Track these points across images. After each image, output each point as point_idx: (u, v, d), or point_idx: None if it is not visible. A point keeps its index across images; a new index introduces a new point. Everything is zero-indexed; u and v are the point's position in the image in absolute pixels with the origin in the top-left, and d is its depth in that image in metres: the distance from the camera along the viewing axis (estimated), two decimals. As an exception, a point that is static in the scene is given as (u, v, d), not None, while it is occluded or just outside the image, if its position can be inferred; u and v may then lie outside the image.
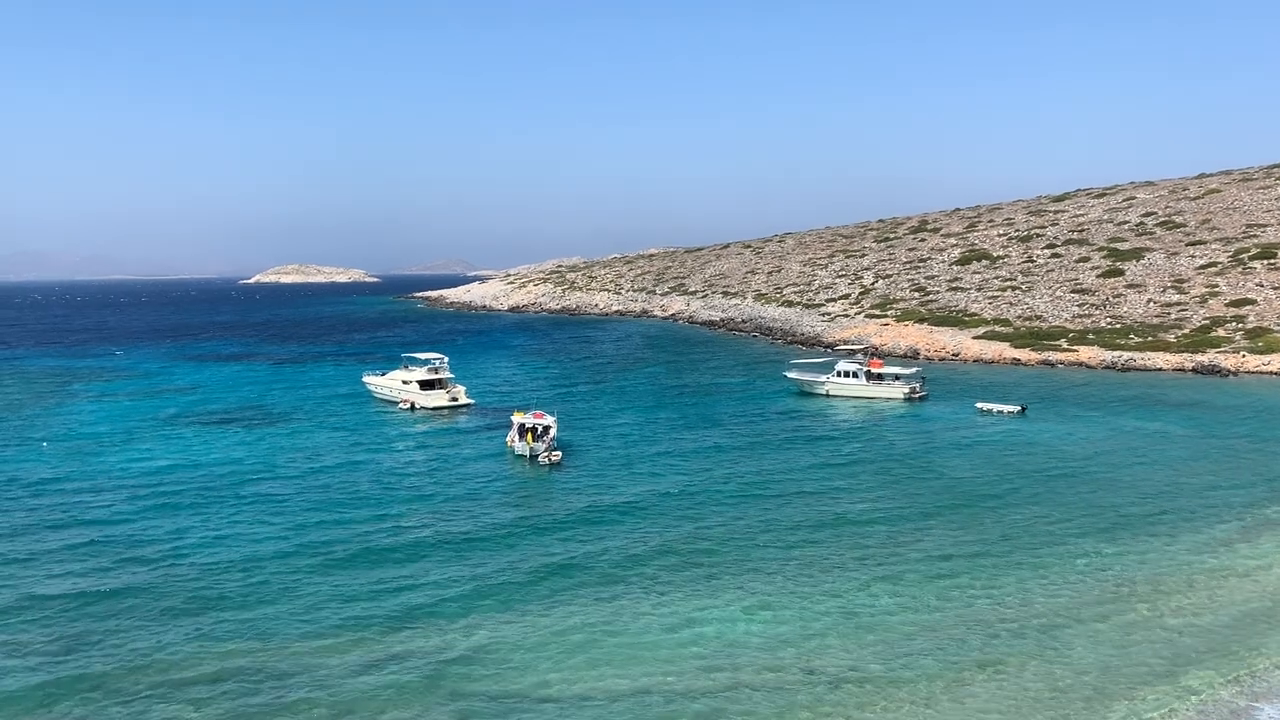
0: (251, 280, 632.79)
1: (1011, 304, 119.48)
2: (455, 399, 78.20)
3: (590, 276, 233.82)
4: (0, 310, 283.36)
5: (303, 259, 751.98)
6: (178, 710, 26.08)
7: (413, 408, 76.19)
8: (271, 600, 33.91)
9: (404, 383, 79.52)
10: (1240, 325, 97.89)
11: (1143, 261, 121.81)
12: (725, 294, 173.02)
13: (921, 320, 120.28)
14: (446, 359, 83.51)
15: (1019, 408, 70.57)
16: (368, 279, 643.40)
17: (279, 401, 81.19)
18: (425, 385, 78.54)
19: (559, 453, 56.69)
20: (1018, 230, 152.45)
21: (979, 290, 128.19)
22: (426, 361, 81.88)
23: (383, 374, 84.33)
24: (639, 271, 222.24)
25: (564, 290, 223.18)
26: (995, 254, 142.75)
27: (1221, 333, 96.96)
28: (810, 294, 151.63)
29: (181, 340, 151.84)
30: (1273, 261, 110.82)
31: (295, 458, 58.06)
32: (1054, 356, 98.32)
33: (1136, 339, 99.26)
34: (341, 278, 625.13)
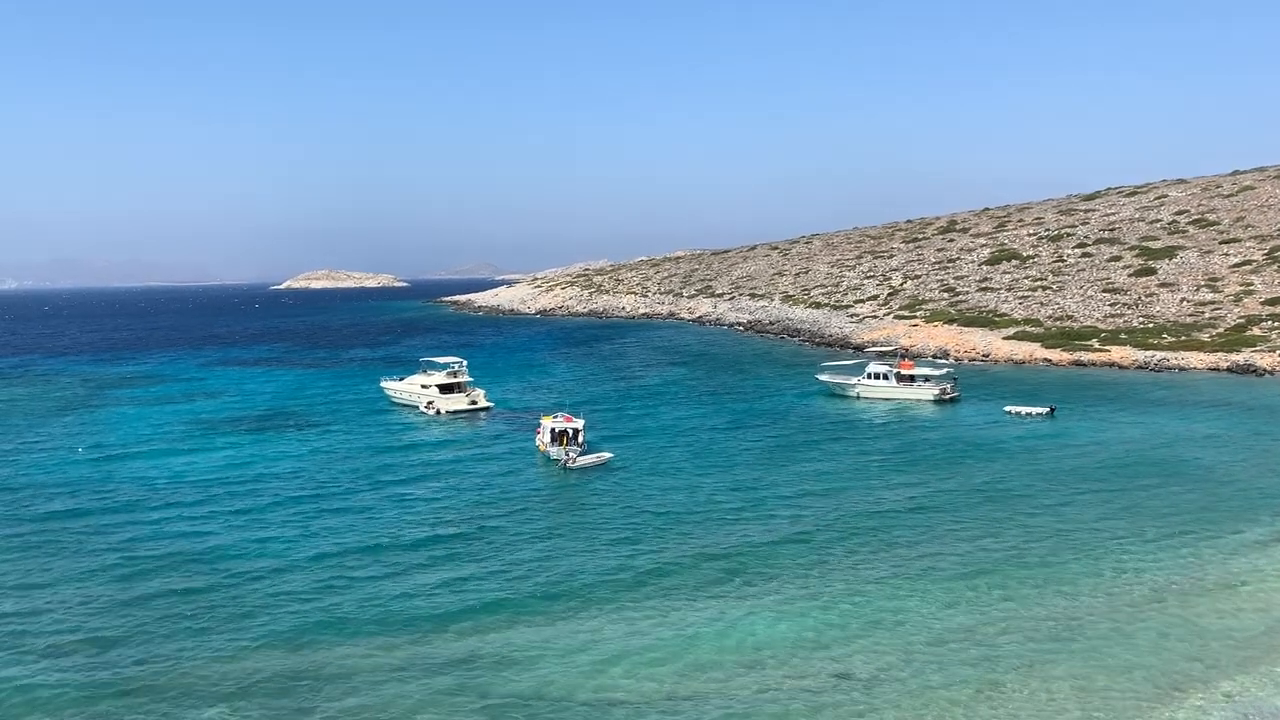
0: (282, 286, 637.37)
1: (1042, 304, 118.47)
2: (474, 402, 78.44)
3: (617, 279, 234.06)
4: (30, 320, 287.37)
5: (333, 264, 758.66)
6: (211, 713, 26.38)
7: (437, 412, 76.48)
8: (302, 603, 34.23)
9: (423, 387, 79.82)
10: (1276, 324, 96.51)
11: (1175, 260, 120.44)
12: (752, 296, 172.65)
13: (951, 321, 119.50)
14: (465, 362, 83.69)
15: (1048, 409, 69.91)
16: (397, 283, 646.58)
17: (306, 407, 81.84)
18: (444, 389, 78.79)
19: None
20: (1048, 230, 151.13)
21: (1009, 290, 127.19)
22: (445, 365, 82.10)
23: (401, 379, 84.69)
24: (666, 274, 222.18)
25: (591, 293, 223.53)
26: (1025, 254, 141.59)
27: (1257, 331, 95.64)
28: (838, 295, 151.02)
29: (211, 346, 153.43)
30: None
31: (324, 462, 58.55)
32: (1085, 357, 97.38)
33: (1170, 338, 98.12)
34: (371, 282, 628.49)
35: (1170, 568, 36.39)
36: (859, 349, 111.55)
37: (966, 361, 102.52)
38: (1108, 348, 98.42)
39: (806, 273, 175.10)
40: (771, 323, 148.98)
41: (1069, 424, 65.75)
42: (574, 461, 55.46)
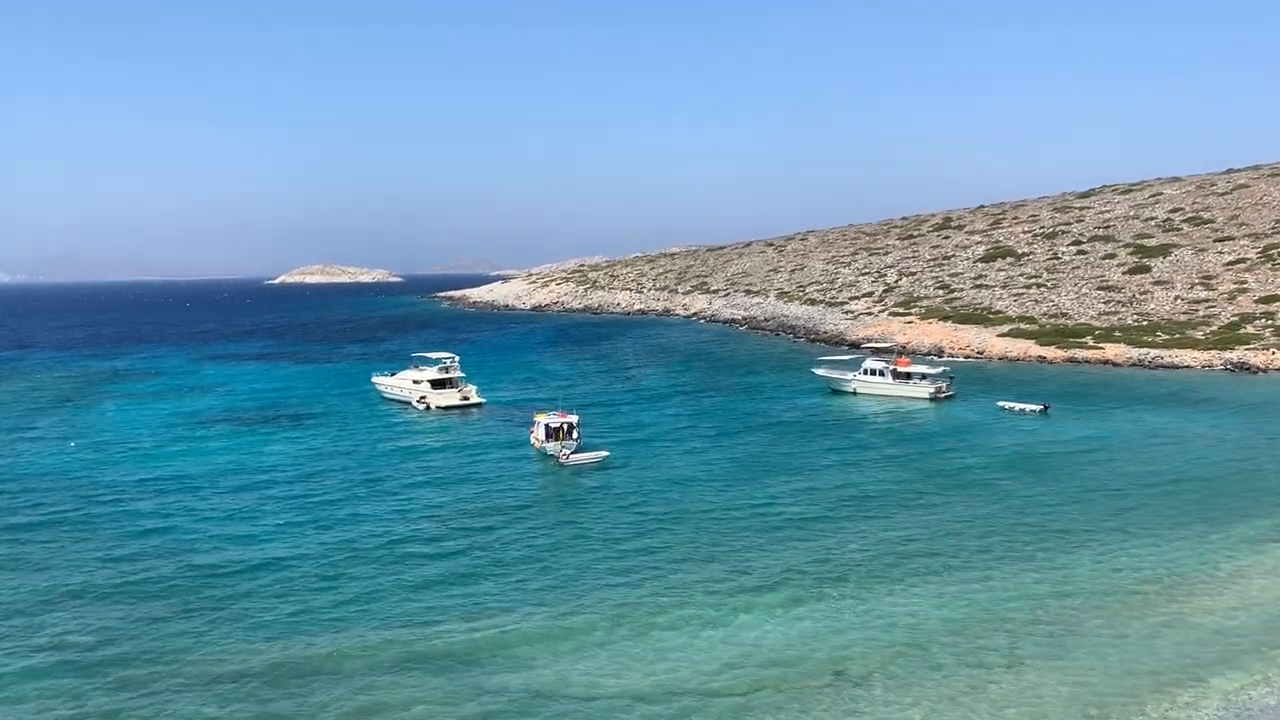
0: (276, 281, 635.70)
1: (1037, 301, 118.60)
2: (466, 398, 78.34)
3: (612, 275, 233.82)
4: (19, 315, 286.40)
5: (329, 259, 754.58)
6: (204, 708, 26.33)
7: (429, 407, 76.34)
8: (297, 599, 34.18)
9: (415, 382, 79.68)
10: (1270, 322, 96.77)
11: (1170, 258, 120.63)
12: (748, 292, 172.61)
13: (946, 318, 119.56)
14: (457, 358, 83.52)
15: (1041, 406, 69.96)
16: (392, 279, 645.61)
17: (299, 402, 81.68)
18: (436, 384, 78.65)
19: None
20: (1043, 227, 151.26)
21: (1004, 288, 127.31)
22: (437, 361, 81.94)
23: (392, 374, 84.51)
24: (661, 270, 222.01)
25: (586, 289, 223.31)
26: (1020, 251, 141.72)
27: (1251, 329, 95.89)
28: (833, 292, 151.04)
29: (204, 342, 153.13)
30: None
31: (316, 459, 58.45)
32: (1080, 354, 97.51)
33: (1164, 336, 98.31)
34: (366, 278, 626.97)
35: (1164, 565, 36.45)
36: (854, 346, 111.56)
37: (961, 358, 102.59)
38: (1102, 345, 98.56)
39: (802, 269, 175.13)
40: (767, 319, 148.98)
41: (1063, 422, 65.83)
42: (568, 458, 55.37)
